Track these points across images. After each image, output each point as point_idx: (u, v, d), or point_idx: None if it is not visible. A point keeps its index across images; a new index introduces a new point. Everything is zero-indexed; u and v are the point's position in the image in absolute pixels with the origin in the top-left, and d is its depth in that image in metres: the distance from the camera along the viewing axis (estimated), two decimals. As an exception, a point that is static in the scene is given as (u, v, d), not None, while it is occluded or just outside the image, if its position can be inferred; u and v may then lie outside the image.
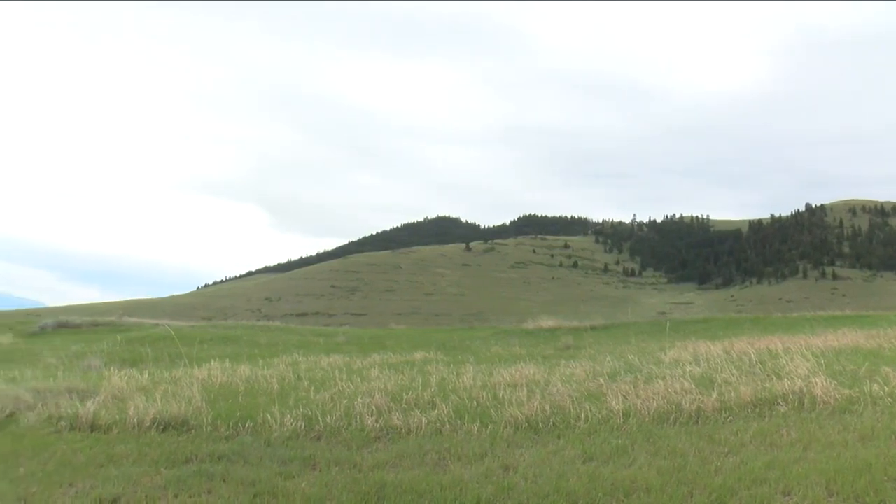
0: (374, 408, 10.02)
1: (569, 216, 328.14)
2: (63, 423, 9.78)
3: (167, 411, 9.75)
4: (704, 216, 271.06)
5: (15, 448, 8.62)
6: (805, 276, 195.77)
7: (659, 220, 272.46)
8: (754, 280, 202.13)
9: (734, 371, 11.88)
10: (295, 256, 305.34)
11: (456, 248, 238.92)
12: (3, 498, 6.68)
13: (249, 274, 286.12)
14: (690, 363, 13.57)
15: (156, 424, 9.44)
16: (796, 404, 9.52)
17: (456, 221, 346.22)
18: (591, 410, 9.54)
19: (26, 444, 8.78)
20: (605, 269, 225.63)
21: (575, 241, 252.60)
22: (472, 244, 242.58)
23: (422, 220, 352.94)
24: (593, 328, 32.47)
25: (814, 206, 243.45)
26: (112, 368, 16.75)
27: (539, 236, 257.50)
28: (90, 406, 10.18)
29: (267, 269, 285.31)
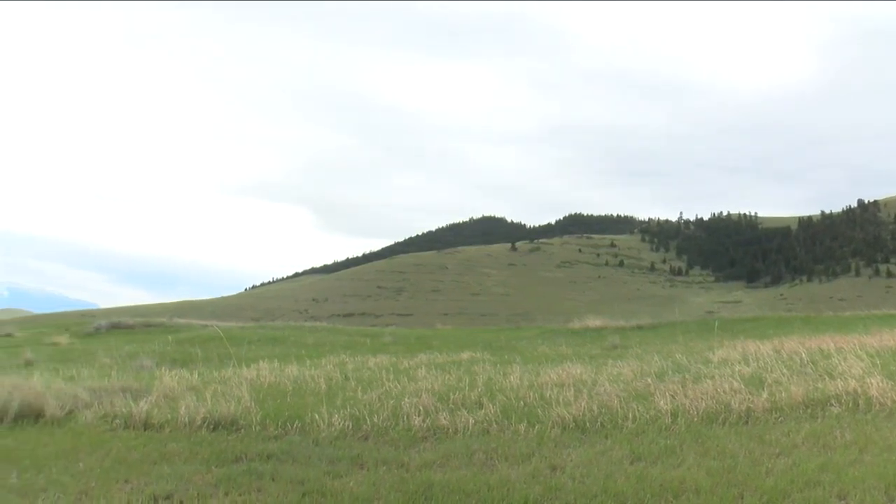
0: (421, 408, 10.04)
1: (615, 215, 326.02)
2: (118, 421, 9.99)
3: (217, 411, 9.88)
4: (752, 213, 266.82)
5: (74, 444, 8.84)
6: (857, 273, 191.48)
7: (706, 218, 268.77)
8: (804, 278, 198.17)
9: (785, 371, 11.66)
10: (341, 257, 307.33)
11: (501, 247, 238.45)
12: (66, 491, 6.86)
13: (296, 275, 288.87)
14: (739, 363, 13.37)
15: (206, 423, 9.57)
16: (850, 405, 9.32)
17: (501, 221, 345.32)
18: (638, 410, 9.45)
19: (84, 441, 8.99)
20: (652, 268, 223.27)
21: (621, 239, 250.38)
22: (517, 244, 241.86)
23: (467, 220, 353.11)
24: (640, 327, 32.19)
25: (866, 201, 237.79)
26: (163, 368, 17.02)
27: (585, 235, 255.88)
28: (143, 405, 10.36)
29: (313, 270, 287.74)
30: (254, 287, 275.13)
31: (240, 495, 6.68)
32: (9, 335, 39.93)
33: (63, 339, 35.01)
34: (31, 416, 10.27)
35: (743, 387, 10.30)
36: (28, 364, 20.19)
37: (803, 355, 13.30)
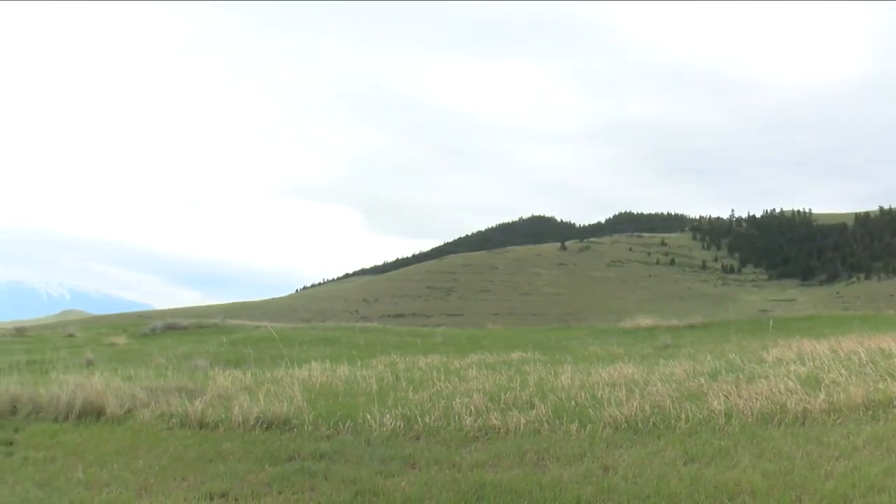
0: (472, 408, 10.03)
1: (665, 213, 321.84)
2: (174, 420, 10.17)
3: (270, 410, 9.99)
4: (806, 210, 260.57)
5: (134, 442, 9.04)
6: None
7: (758, 215, 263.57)
8: (861, 276, 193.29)
9: (843, 371, 11.38)
10: (391, 258, 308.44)
11: (551, 247, 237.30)
12: (127, 486, 7.04)
13: (346, 276, 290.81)
14: (795, 362, 13.09)
15: (259, 423, 9.68)
16: (914, 408, 9.06)
17: (551, 220, 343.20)
18: (691, 410, 9.31)
19: (143, 439, 9.18)
20: (704, 267, 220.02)
21: (672, 238, 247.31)
22: (567, 243, 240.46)
23: (516, 219, 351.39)
24: (692, 326, 31.75)
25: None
26: (217, 369, 17.29)
27: (635, 234, 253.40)
28: (198, 404, 10.52)
29: (363, 271, 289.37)
30: (305, 288, 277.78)
31: (293, 494, 6.76)
32: (71, 335, 41.03)
33: (121, 340, 35.81)
34: (93, 413, 10.56)
35: (799, 387, 10.08)
36: (89, 364, 20.65)
37: (862, 355, 12.95)
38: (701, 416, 9.13)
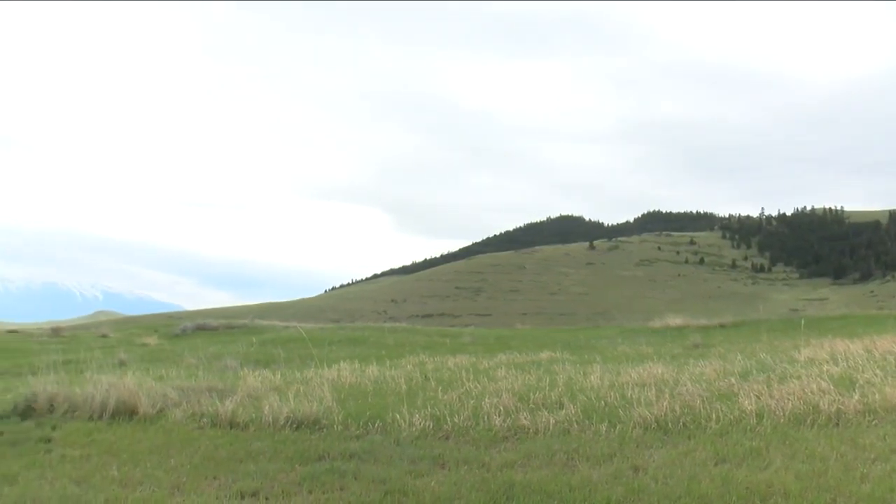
0: (501, 408, 10.01)
1: (694, 211, 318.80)
2: (205, 419, 10.27)
3: (300, 410, 10.04)
4: (838, 208, 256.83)
5: (166, 441, 9.15)
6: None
7: (789, 213, 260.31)
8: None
9: (878, 371, 11.22)
10: (419, 258, 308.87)
11: (579, 246, 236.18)
12: (160, 485, 7.13)
13: (375, 276, 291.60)
14: (828, 362, 12.93)
15: (289, 423, 9.75)
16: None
17: (579, 220, 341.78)
18: (722, 411, 9.22)
19: (174, 438, 9.29)
20: (733, 265, 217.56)
21: (701, 236, 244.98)
22: (595, 242, 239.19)
23: (544, 219, 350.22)
24: (722, 326, 31.50)
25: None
26: (247, 369, 17.41)
27: (664, 233, 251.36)
28: (229, 404, 10.62)
29: (392, 272, 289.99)
30: (333, 288, 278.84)
31: (323, 493, 6.79)
32: (104, 336, 41.65)
33: (152, 340, 36.28)
34: (126, 413, 10.72)
35: (832, 387, 9.95)
36: (122, 364, 20.91)
37: (898, 355, 12.79)
38: (732, 417, 9.03)
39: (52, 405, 11.19)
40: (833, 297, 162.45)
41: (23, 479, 7.51)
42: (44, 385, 11.66)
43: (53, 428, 10.10)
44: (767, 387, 10.47)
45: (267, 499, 6.71)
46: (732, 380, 11.43)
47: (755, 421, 8.79)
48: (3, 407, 11.71)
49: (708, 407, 9.46)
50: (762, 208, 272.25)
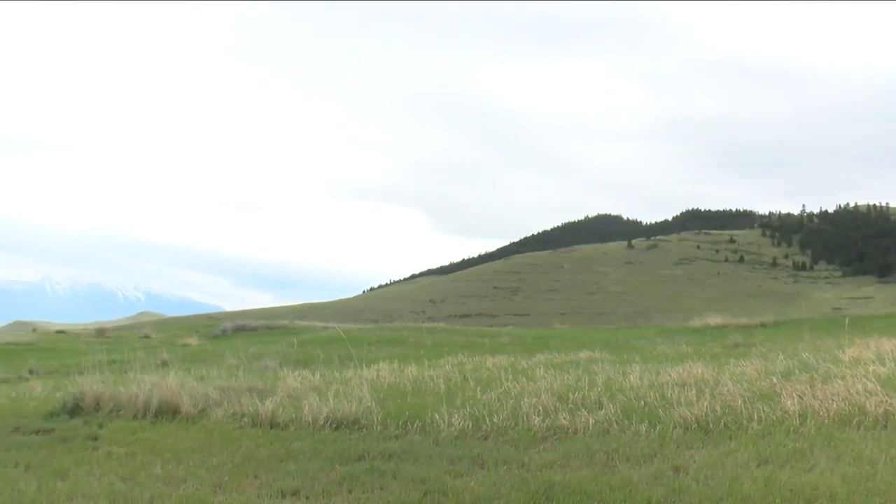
0: (540, 408, 9.98)
1: (733, 209, 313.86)
2: (246, 419, 10.38)
3: (339, 410, 10.10)
4: (882, 204, 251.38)
5: (207, 440, 9.27)
6: None
7: (831, 210, 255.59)
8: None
9: (927, 371, 11.00)
10: (456, 258, 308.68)
11: (618, 245, 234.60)
12: (203, 483, 7.23)
13: (413, 277, 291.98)
14: (873, 362, 12.65)
15: (329, 423, 9.80)
16: None
17: (617, 219, 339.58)
18: (764, 411, 9.07)
19: (216, 437, 9.41)
20: (774, 264, 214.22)
21: (741, 234, 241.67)
22: (634, 241, 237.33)
23: (582, 218, 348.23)
24: (763, 325, 31.12)
25: None
26: (286, 369, 17.60)
27: (703, 231, 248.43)
28: (269, 404, 10.71)
29: (430, 272, 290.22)
30: (372, 289, 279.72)
31: (363, 493, 6.83)
32: (146, 336, 42.44)
33: (193, 341, 36.89)
34: (168, 412, 10.90)
35: (879, 388, 9.71)
36: (164, 364, 21.26)
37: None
38: (774, 417, 8.88)
39: (98, 404, 11.46)
40: (878, 296, 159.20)
41: (73, 474, 7.69)
42: (90, 384, 11.96)
43: (100, 426, 10.36)
44: (811, 387, 10.28)
45: (307, 498, 6.76)
46: (774, 380, 11.25)
47: (798, 422, 8.63)
48: (53, 405, 12.16)
49: (749, 407, 9.33)
50: (803, 205, 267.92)
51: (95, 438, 9.66)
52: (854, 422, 8.55)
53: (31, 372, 24.81)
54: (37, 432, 10.31)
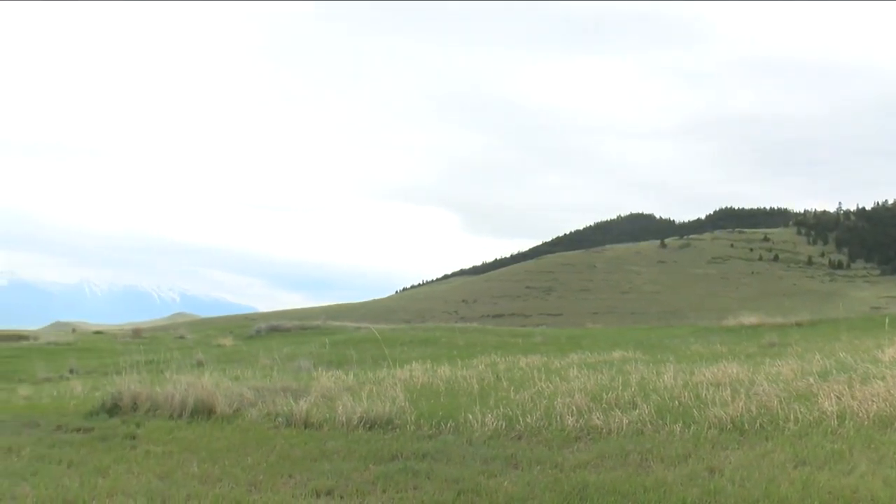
0: (574, 408, 9.94)
1: (767, 207, 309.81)
2: (280, 419, 10.47)
3: (373, 410, 10.15)
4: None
5: (242, 440, 9.36)
6: None
7: (868, 206, 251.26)
8: None
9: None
10: (489, 258, 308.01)
11: (650, 245, 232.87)
12: (238, 482, 7.30)
13: (445, 277, 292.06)
14: (915, 362, 12.46)
15: (363, 423, 9.85)
16: None
17: (649, 218, 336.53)
18: (801, 412, 8.91)
19: (251, 437, 9.49)
20: (809, 262, 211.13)
21: (775, 233, 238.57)
22: (667, 240, 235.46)
23: (614, 218, 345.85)
24: (799, 325, 30.65)
25: None
26: (320, 369, 17.70)
27: (737, 229, 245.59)
28: (303, 404, 10.79)
29: (462, 272, 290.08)
30: (404, 289, 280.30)
31: (397, 492, 6.85)
32: (182, 337, 42.97)
33: (227, 342, 37.26)
34: (204, 412, 11.03)
35: (921, 389, 9.57)
36: (199, 364, 21.52)
37: None
38: (811, 418, 8.73)
39: (135, 403, 11.65)
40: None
41: (113, 472, 7.84)
42: (128, 384, 12.17)
43: (138, 425, 10.53)
44: (849, 387, 10.11)
45: (342, 497, 6.79)
46: (811, 380, 11.08)
47: (836, 423, 8.48)
48: (92, 404, 12.45)
49: (786, 407, 9.20)
50: (839, 203, 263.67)
51: (133, 437, 9.83)
52: (895, 424, 8.39)
53: (71, 371, 25.30)
54: (78, 430, 10.57)
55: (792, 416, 8.78)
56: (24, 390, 17.20)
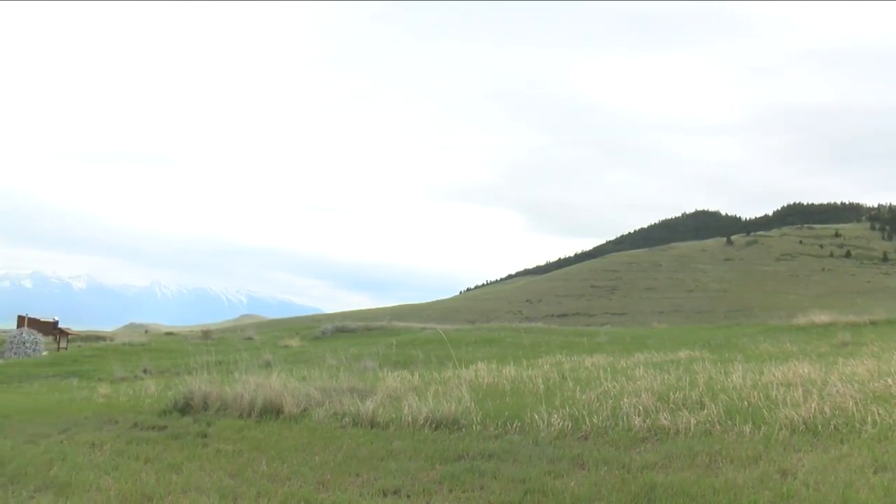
0: (640, 408, 9.82)
1: (838, 202, 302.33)
2: (347, 419, 10.58)
3: (438, 410, 10.17)
4: None
5: (310, 439, 9.49)
6: None
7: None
8: None
9: None
10: (552, 258, 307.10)
11: (716, 242, 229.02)
12: (306, 481, 7.41)
13: (509, 277, 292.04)
14: None
15: (428, 423, 9.89)
16: None
17: (715, 215, 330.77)
18: (879, 414, 8.57)
19: (318, 437, 9.62)
20: (884, 259, 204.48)
21: (847, 228, 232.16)
22: (733, 237, 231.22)
23: (679, 215, 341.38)
24: (873, 323, 29.65)
25: None
26: (386, 370, 17.82)
27: (806, 225, 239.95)
28: (369, 404, 10.88)
29: (526, 272, 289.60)
30: (468, 290, 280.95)
31: (463, 492, 6.86)
32: (249, 338, 43.81)
33: (294, 342, 37.83)
34: (272, 411, 11.24)
35: None
36: (267, 365, 21.87)
37: None
38: (891, 421, 8.36)
39: (206, 403, 11.96)
40: None
41: (186, 469, 8.07)
42: (199, 384, 12.50)
43: (209, 424, 10.81)
44: (930, 388, 9.79)
45: (409, 496, 6.83)
46: (889, 381, 10.70)
47: (918, 426, 8.20)
48: (165, 403, 12.88)
49: (862, 409, 8.88)
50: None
51: (205, 436, 10.09)
52: (985, 428, 8.04)
53: (145, 371, 25.99)
54: (153, 428, 10.94)
55: (869, 419, 8.45)
56: (103, 389, 17.75)
